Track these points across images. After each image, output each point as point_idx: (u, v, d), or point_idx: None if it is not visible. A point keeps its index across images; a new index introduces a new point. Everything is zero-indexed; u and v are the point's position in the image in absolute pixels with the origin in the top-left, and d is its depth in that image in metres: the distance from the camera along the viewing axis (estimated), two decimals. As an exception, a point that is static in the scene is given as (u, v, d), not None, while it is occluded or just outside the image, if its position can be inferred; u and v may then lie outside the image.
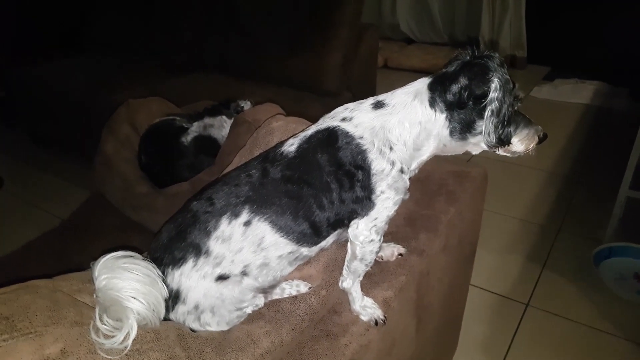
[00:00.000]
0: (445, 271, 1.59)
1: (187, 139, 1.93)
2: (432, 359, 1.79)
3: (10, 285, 0.98)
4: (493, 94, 0.99)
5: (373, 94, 3.81)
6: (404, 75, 5.59)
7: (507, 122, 1.01)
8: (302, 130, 1.12)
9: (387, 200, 1.05)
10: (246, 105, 1.99)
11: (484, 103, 1.00)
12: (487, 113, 1.01)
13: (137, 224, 1.85)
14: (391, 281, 1.28)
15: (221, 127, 1.92)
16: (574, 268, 2.67)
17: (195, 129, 1.94)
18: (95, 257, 1.70)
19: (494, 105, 0.99)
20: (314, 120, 1.57)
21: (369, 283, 1.25)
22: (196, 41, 3.64)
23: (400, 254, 1.34)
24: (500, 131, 1.02)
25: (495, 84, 0.99)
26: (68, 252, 1.74)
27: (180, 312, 1.02)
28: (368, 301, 1.19)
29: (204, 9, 3.61)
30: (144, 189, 1.87)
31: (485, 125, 1.02)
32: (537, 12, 5.32)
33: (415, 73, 5.68)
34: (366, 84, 3.56)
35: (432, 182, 1.62)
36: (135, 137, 1.99)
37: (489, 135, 1.02)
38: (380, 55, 5.55)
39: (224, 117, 1.93)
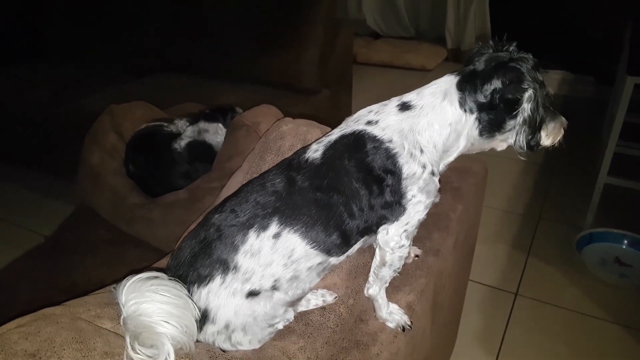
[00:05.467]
0: (454, 268, 1.59)
1: (181, 144, 1.84)
2: (438, 354, 1.79)
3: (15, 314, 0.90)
4: (526, 104, 0.98)
5: (350, 91, 3.72)
6: (374, 70, 5.61)
7: (538, 129, 1.01)
8: (325, 135, 1.08)
9: (418, 204, 1.03)
10: (239, 110, 1.91)
11: (517, 110, 0.99)
12: (519, 120, 1.00)
13: (131, 237, 1.75)
14: (412, 284, 1.26)
15: (216, 133, 1.84)
16: (558, 255, 2.74)
17: (189, 133, 1.85)
18: (92, 275, 1.62)
19: (526, 114, 0.99)
20: (296, 117, 1.53)
21: (391, 288, 1.23)
22: (162, 44, 3.50)
23: (417, 255, 1.33)
24: (530, 137, 1.01)
25: (529, 93, 0.98)
26: (58, 270, 1.63)
27: (209, 333, 0.97)
28: (394, 307, 1.17)
29: (169, 11, 3.48)
30: (136, 200, 1.77)
31: (517, 131, 1.01)
32: (500, 3, 5.44)
33: (385, 68, 5.74)
34: (343, 81, 3.53)
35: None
36: (123, 146, 1.88)
37: (520, 142, 1.02)
38: (350, 51, 5.54)
39: (220, 125, 1.85)
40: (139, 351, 0.82)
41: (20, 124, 3.42)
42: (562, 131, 1.09)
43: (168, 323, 0.85)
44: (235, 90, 3.00)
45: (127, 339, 0.83)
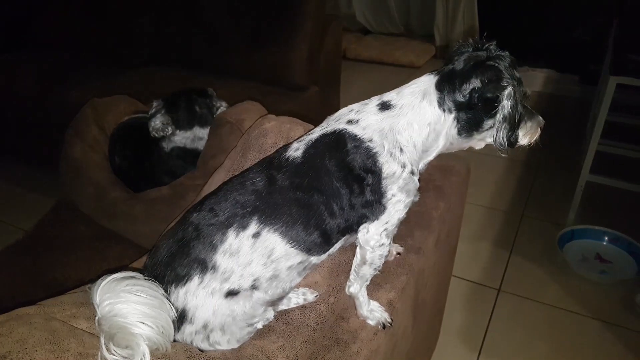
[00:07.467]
0: (436, 266, 1.60)
1: (169, 146, 1.81)
2: (420, 351, 1.81)
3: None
4: (506, 102, 0.99)
5: (339, 87, 3.70)
6: (363, 67, 5.59)
7: (517, 126, 1.02)
8: (307, 134, 1.07)
9: (398, 204, 1.04)
10: (219, 103, 1.87)
11: (496, 109, 0.99)
12: (499, 117, 1.00)
13: (113, 233, 1.73)
14: (393, 282, 1.27)
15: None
16: (540, 251, 2.77)
17: (180, 139, 1.80)
18: (72, 271, 1.59)
19: (507, 111, 0.99)
20: (284, 114, 1.52)
21: (372, 285, 1.24)
22: (153, 36, 3.45)
23: (399, 253, 1.34)
24: (510, 133, 1.02)
25: (508, 90, 0.98)
26: (38, 267, 1.61)
27: (187, 333, 0.96)
28: (374, 305, 1.17)
29: (160, 2, 3.43)
30: (119, 194, 1.75)
31: (497, 129, 1.02)
32: (488, 1, 5.46)
33: (374, 64, 5.72)
34: (332, 77, 3.52)
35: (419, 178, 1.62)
36: (105, 140, 1.85)
37: (500, 139, 1.02)
38: (339, 46, 5.52)
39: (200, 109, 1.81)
40: (114, 352, 0.81)
41: (3, 115, 3.35)
42: (539, 130, 1.10)
43: (143, 324, 0.84)
44: (223, 85, 2.95)
45: (102, 340, 0.82)
